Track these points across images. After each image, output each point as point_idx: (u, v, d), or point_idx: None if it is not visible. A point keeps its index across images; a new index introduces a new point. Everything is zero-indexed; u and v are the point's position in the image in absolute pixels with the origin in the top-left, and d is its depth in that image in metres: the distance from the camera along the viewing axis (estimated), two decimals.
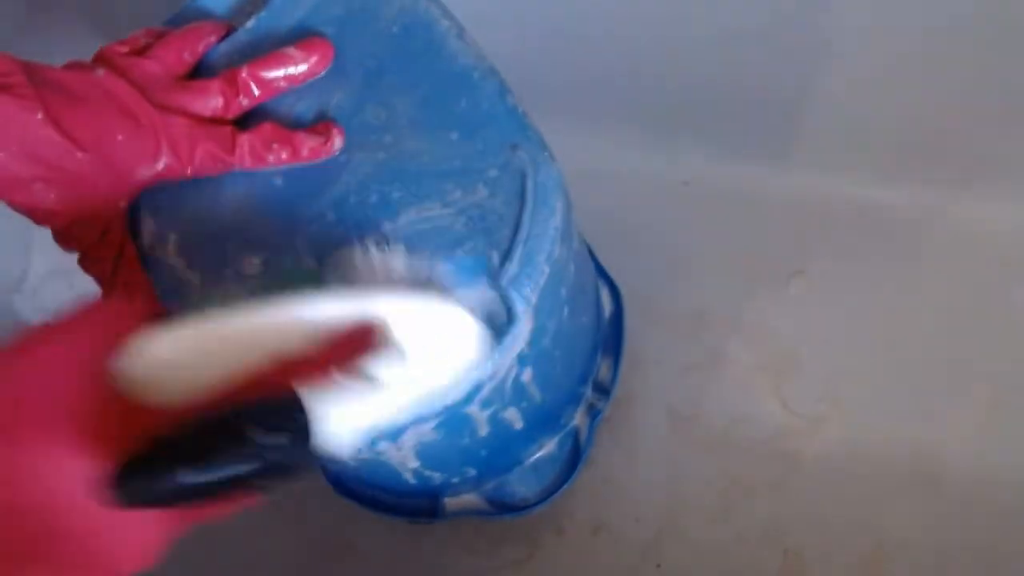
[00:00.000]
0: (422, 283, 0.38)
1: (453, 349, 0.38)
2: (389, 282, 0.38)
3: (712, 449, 0.65)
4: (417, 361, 0.35)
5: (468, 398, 0.45)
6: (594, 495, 0.64)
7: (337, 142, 0.46)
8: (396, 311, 0.35)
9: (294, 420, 0.30)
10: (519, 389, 0.49)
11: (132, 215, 0.47)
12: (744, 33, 0.67)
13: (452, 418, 0.46)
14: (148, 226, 0.47)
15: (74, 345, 0.31)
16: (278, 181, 0.46)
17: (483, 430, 0.50)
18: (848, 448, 0.64)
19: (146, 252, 0.46)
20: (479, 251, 0.43)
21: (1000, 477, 0.62)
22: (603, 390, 0.62)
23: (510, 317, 0.43)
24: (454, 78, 0.47)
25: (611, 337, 0.64)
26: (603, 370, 0.63)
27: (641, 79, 0.71)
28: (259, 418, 0.29)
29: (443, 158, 0.45)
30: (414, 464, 0.51)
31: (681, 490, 0.64)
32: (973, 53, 0.63)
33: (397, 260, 0.39)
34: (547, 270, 0.44)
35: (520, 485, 0.60)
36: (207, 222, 0.46)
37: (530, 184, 0.44)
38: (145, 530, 0.31)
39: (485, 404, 0.47)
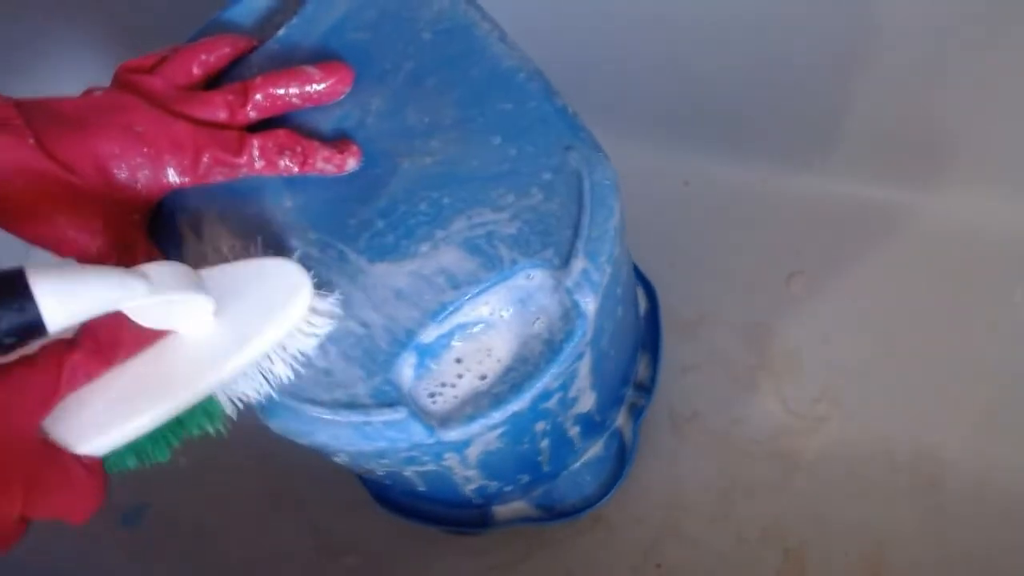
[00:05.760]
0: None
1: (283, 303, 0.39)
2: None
3: (712, 449, 0.65)
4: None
5: (534, 404, 0.44)
6: None
7: (351, 161, 0.45)
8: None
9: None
10: (578, 392, 0.48)
11: (166, 225, 0.46)
12: (744, 35, 0.67)
13: (516, 426, 0.45)
14: (189, 235, 0.46)
15: None
16: (324, 190, 0.45)
17: (542, 435, 0.49)
18: (848, 448, 0.64)
19: (187, 260, 0.45)
20: (537, 255, 0.42)
21: (1000, 477, 0.62)
22: (643, 388, 0.62)
23: (577, 320, 0.42)
24: (498, 80, 0.45)
25: (648, 335, 0.63)
26: (641, 369, 0.62)
27: (642, 79, 0.71)
28: None
29: (492, 162, 0.44)
30: (473, 474, 0.50)
31: (681, 490, 0.64)
32: (975, 55, 0.63)
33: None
34: (609, 270, 0.43)
35: (568, 489, 0.59)
36: (252, 231, 0.45)
37: (587, 185, 0.43)
38: None
39: (548, 411, 0.46)
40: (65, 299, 0.32)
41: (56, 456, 0.35)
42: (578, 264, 0.42)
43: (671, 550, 0.63)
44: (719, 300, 0.69)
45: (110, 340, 0.37)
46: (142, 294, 0.34)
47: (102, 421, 0.36)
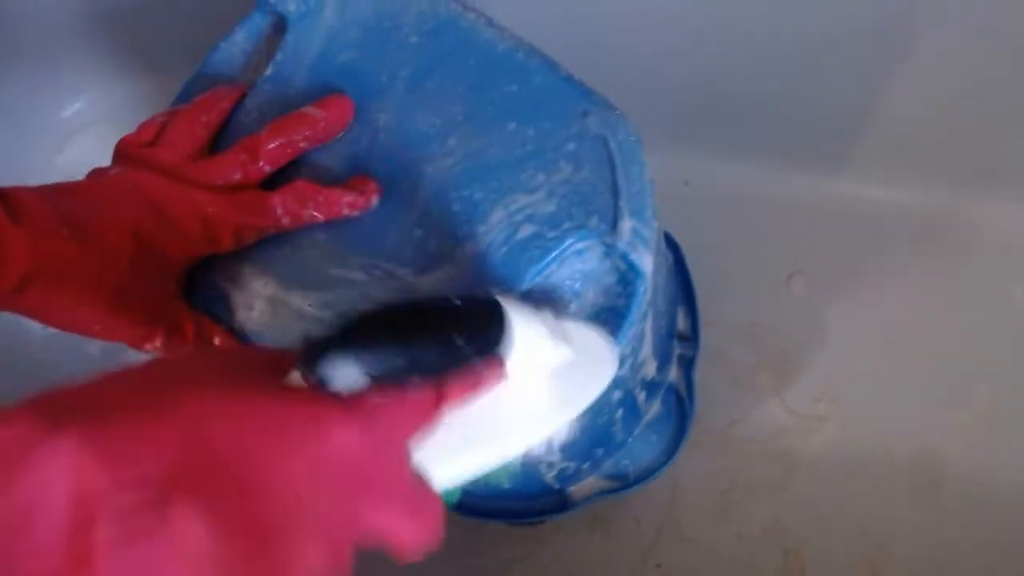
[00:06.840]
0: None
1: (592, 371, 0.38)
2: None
3: (712, 449, 0.65)
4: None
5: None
6: None
7: (374, 199, 0.44)
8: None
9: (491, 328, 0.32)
10: (645, 354, 0.48)
11: (205, 283, 0.45)
12: (745, 34, 0.67)
13: (596, 400, 0.45)
14: (230, 288, 0.45)
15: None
16: (356, 217, 0.44)
17: (617, 405, 0.49)
18: (848, 448, 0.64)
19: (234, 312, 0.45)
20: (582, 226, 0.41)
21: (1000, 477, 0.62)
22: (685, 338, 0.61)
23: (637, 280, 0.42)
24: (497, 65, 0.45)
25: (678, 285, 0.63)
26: (680, 320, 0.62)
27: (642, 78, 0.71)
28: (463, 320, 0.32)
29: (514, 146, 0.43)
30: (556, 460, 0.50)
31: (681, 490, 0.64)
32: (975, 56, 0.63)
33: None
34: (655, 224, 0.42)
35: (637, 453, 0.58)
36: (290, 271, 0.44)
37: (613, 146, 0.42)
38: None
39: (621, 379, 0.46)
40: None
41: (414, 476, 0.33)
42: (626, 225, 0.41)
43: (671, 550, 0.63)
44: (719, 300, 0.68)
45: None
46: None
47: (451, 453, 0.34)
